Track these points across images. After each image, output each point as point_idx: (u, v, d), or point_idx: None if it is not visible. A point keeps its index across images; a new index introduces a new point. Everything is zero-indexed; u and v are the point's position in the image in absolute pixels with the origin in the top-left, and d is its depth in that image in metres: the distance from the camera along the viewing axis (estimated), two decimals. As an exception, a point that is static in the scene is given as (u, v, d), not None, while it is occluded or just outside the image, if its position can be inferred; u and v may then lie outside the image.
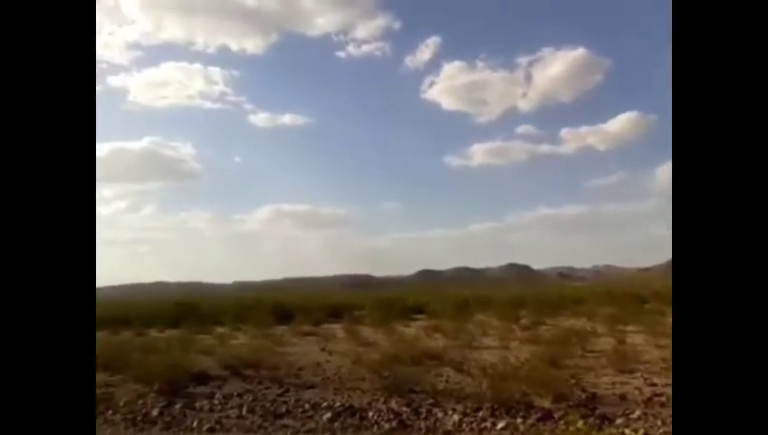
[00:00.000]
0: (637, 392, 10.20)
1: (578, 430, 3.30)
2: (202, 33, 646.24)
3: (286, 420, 8.97)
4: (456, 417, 8.66)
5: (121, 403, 10.23)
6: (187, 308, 33.98)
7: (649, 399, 9.66)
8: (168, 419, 9.29)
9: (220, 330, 24.43)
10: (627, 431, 7.34)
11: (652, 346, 15.53)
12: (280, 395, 10.77)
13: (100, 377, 12.74)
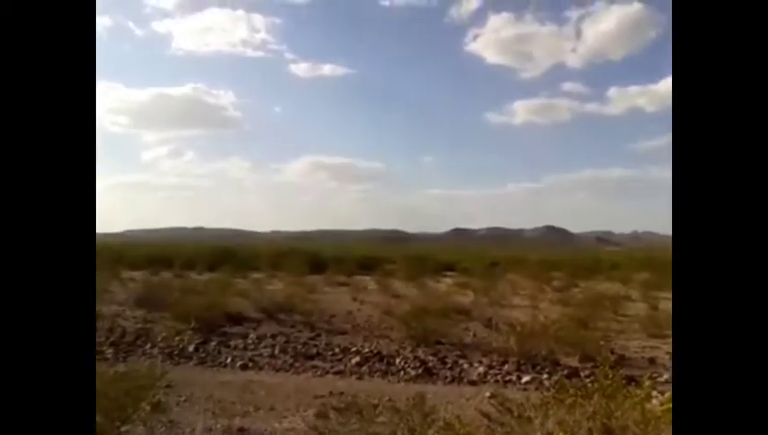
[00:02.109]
0: (666, 357, 10.09)
1: (605, 386, 3.32)
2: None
3: (316, 362, 9.28)
4: (481, 369, 8.79)
5: (159, 338, 10.74)
6: (225, 253, 34.97)
7: (679, 364, 9.56)
8: (203, 355, 9.73)
9: (256, 275, 25.10)
10: (654, 393, 7.31)
11: (687, 314, 15.25)
12: (311, 338, 11.11)
13: (140, 313, 13.38)
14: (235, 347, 10.32)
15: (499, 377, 8.42)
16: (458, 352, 9.93)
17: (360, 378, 8.40)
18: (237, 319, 12.91)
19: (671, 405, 2.95)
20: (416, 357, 9.51)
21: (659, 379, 8.49)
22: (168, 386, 7.01)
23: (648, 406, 3.27)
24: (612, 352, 10.06)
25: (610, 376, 3.20)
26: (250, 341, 10.80)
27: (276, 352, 9.90)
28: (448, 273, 32.27)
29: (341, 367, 8.94)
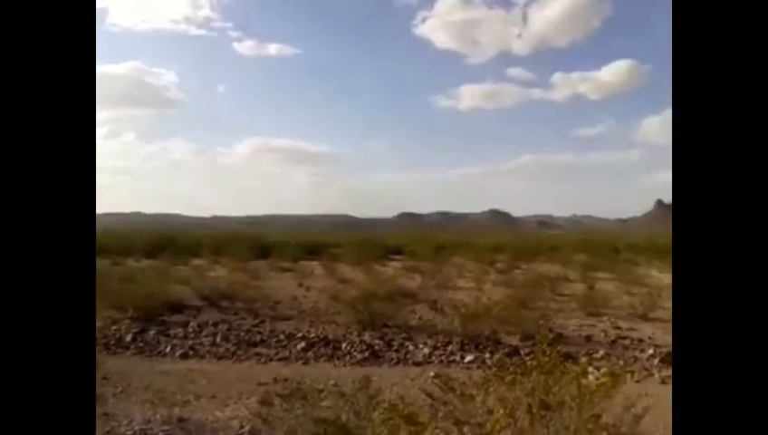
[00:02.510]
0: (602, 335, 10.56)
1: (543, 363, 3.40)
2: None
3: (260, 349, 9.12)
4: (426, 350, 8.90)
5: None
6: (165, 239, 33.83)
7: (614, 341, 10.02)
8: (141, 344, 9.38)
9: (197, 262, 24.46)
10: (590, 368, 7.60)
11: (622, 293, 15.98)
12: (255, 326, 10.92)
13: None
14: (175, 336, 10.00)
15: (443, 357, 8.55)
16: (404, 335, 10.01)
17: (305, 363, 8.32)
18: (177, 307, 12.52)
19: (605, 380, 3.05)
20: (362, 341, 9.51)
21: (595, 355, 8.86)
22: (103, 377, 6.73)
23: (584, 381, 3.36)
24: (551, 331, 10.40)
25: (548, 353, 3.27)
26: (190, 329, 10.49)
27: (218, 339, 9.66)
28: (396, 257, 32.47)
29: (286, 353, 8.82)
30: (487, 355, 8.60)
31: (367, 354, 8.67)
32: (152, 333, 10.10)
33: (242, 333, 10.11)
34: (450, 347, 9.09)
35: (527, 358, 8.19)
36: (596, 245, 39.57)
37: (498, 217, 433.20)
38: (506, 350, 8.90)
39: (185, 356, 8.70)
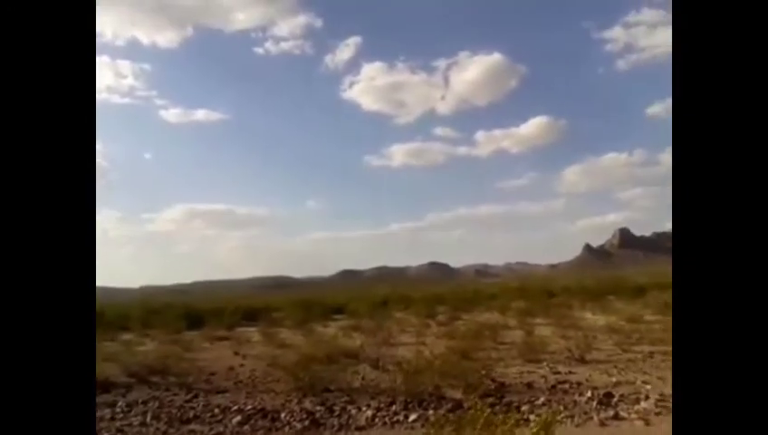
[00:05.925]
0: (542, 381, 10.69)
1: (485, 417, 3.39)
2: (110, 25, 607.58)
3: (193, 426, 8.57)
4: (369, 412, 8.66)
5: (7, 418, 9.34)
6: (90, 315, 31.78)
7: (553, 386, 10.16)
8: (61, 432, 8.60)
9: (126, 336, 23.09)
10: (531, 417, 7.64)
11: (558, 337, 16.37)
12: (188, 401, 10.30)
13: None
14: (102, 418, 9.25)
15: (387, 419, 8.34)
16: (347, 398, 9.72)
17: (242, 438, 7.88)
18: (105, 386, 11.66)
19: (538, 429, 3.08)
20: (302, 409, 9.15)
21: (536, 402, 8.93)
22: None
23: (523, 431, 3.37)
24: (493, 380, 10.45)
25: (479, 407, 3.27)
26: (119, 409, 9.76)
27: (148, 419, 9.01)
28: (337, 316, 31.96)
29: (221, 428, 8.33)
30: (431, 412, 8.46)
31: (307, 423, 8.32)
32: (73, 418, 9.31)
33: (174, 410, 9.50)
34: (394, 407, 8.90)
35: (469, 411, 8.13)
36: (531, 291, 40.69)
37: (437, 268, 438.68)
38: (450, 405, 8.80)
39: (110, 441, 8.04)
